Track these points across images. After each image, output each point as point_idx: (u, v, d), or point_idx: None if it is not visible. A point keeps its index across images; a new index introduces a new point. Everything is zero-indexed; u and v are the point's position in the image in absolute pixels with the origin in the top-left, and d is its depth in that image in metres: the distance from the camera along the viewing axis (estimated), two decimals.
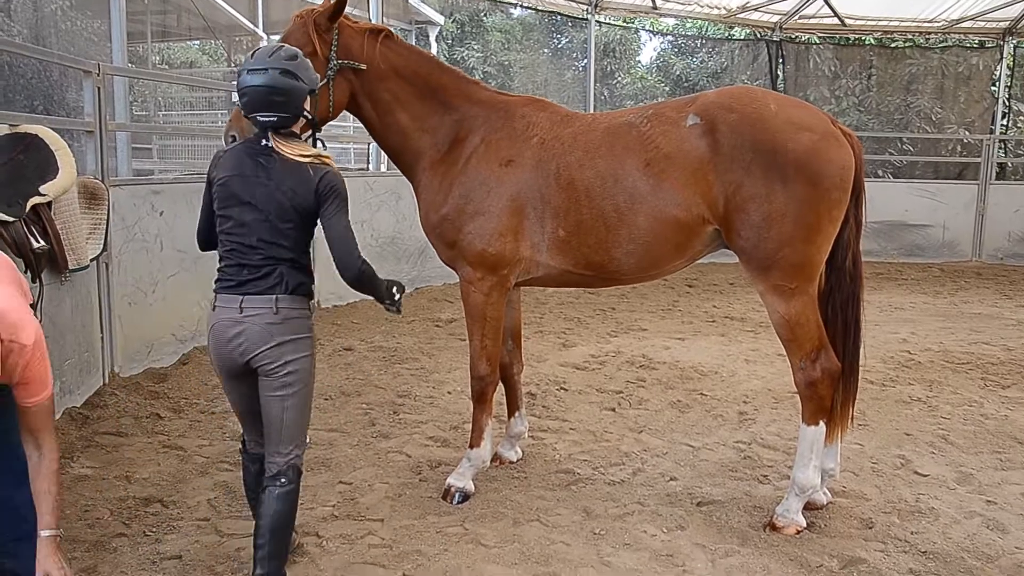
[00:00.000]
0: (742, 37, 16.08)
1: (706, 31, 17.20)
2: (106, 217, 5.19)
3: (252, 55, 3.16)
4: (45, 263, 4.40)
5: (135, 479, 4.33)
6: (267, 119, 3.10)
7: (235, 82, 3.22)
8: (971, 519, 4.06)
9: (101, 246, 5.14)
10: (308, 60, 3.25)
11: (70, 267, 4.65)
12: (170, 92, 16.10)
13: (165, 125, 15.95)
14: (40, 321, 4.37)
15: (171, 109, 16.64)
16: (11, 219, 4.11)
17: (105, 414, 5.16)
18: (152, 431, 5.03)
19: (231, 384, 3.24)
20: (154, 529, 3.83)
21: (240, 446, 3.49)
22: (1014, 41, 14.68)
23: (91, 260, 4.98)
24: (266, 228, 3.12)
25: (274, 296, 3.08)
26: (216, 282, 3.19)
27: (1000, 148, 14.68)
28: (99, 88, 5.55)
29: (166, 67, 20.86)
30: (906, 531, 3.92)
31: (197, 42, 21.15)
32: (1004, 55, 14.65)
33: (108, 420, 5.08)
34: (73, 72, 6.55)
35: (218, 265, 3.21)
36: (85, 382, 5.28)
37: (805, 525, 3.90)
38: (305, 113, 3.20)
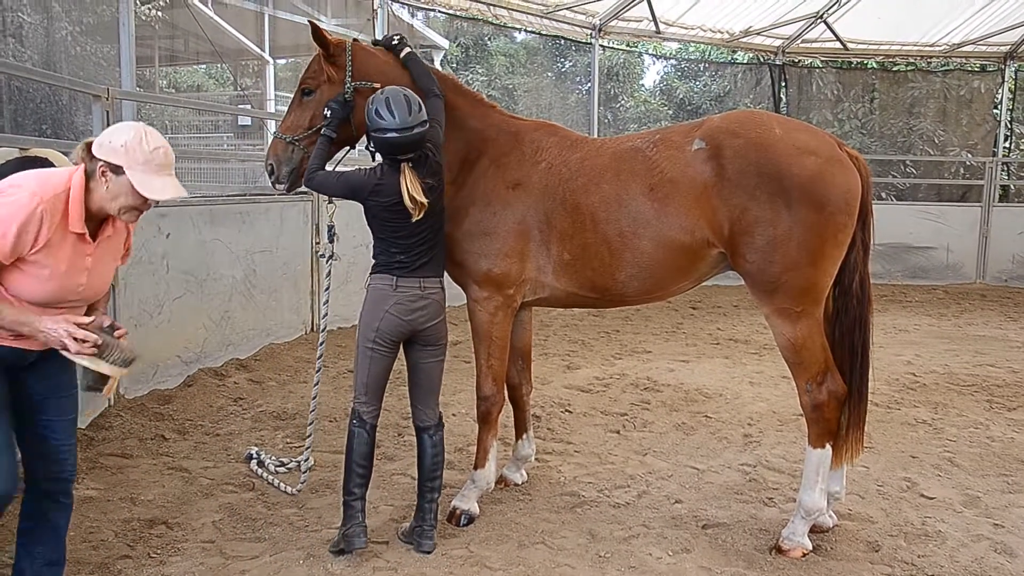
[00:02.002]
0: (745, 61, 16.16)
1: (709, 55, 17.28)
2: None
3: (390, 112, 3.64)
4: None
5: (140, 501, 4.34)
6: (408, 157, 3.72)
7: (377, 133, 3.69)
8: (978, 542, 4.04)
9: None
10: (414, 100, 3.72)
11: None
12: (177, 115, 16.21)
13: (172, 148, 16.02)
14: None
15: (178, 132, 16.74)
16: None
17: (110, 436, 5.16)
18: (157, 453, 5.03)
19: (391, 349, 3.86)
20: (159, 551, 3.82)
21: (356, 421, 3.89)
22: (1015, 65, 14.75)
23: None
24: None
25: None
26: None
27: (1003, 170, 14.72)
28: (108, 112, 5.61)
29: (173, 91, 21.01)
30: (913, 554, 3.90)
31: (204, 66, 21.31)
32: (1005, 78, 14.73)
33: (113, 442, 5.09)
34: (82, 96, 6.60)
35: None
36: (90, 404, 5.29)
37: (811, 548, 3.89)
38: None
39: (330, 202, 4.26)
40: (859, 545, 4.01)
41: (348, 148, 4.23)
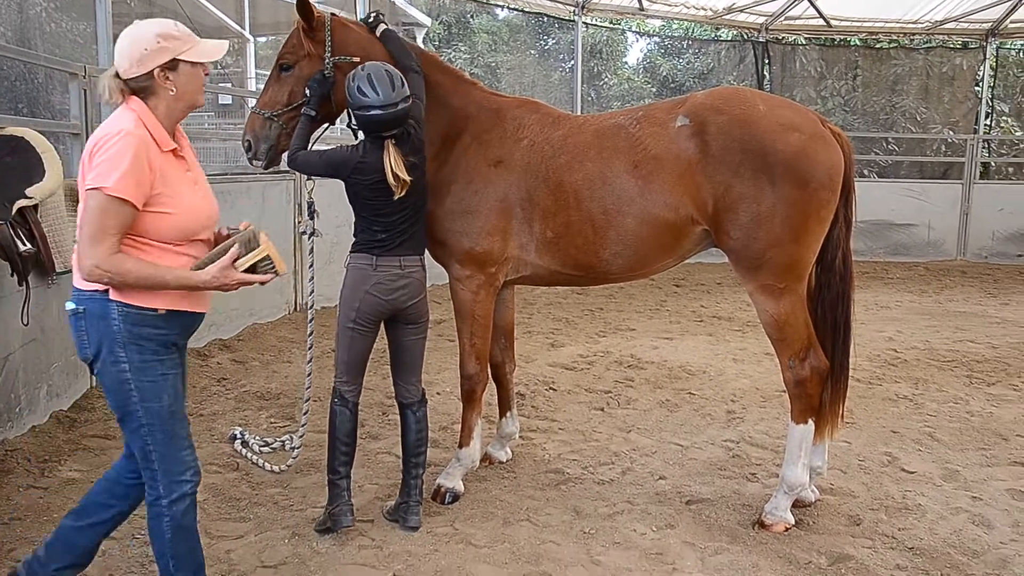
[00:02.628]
0: (728, 38, 16.13)
1: (692, 32, 17.25)
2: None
3: (373, 88, 3.60)
4: (32, 266, 4.38)
5: None
6: (391, 134, 3.70)
7: (360, 111, 3.65)
8: (957, 515, 4.09)
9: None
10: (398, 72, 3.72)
11: (57, 270, 4.63)
12: None
13: None
14: (26, 324, 4.37)
15: None
16: None
17: (92, 417, 5.13)
18: None
19: (372, 329, 3.87)
20: (143, 532, 3.78)
21: (338, 400, 3.88)
22: (996, 42, 14.80)
23: None
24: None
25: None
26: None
27: (984, 148, 14.80)
28: (85, 90, 5.53)
29: None
30: (893, 527, 3.95)
31: None
32: (987, 56, 14.77)
33: (96, 423, 5.06)
34: (59, 74, 6.51)
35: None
36: (72, 385, 5.26)
37: (793, 522, 3.93)
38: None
39: (308, 178, 4.23)
40: (841, 519, 4.05)
41: (328, 125, 4.20)
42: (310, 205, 4.19)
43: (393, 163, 3.66)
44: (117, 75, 2.74)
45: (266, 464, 4.55)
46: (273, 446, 4.85)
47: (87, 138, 5.41)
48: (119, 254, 2.63)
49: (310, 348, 4.46)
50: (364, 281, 3.80)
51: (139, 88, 2.76)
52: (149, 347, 2.76)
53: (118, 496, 3.08)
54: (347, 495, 3.84)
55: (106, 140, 2.63)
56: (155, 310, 2.75)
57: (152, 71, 2.73)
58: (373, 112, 3.61)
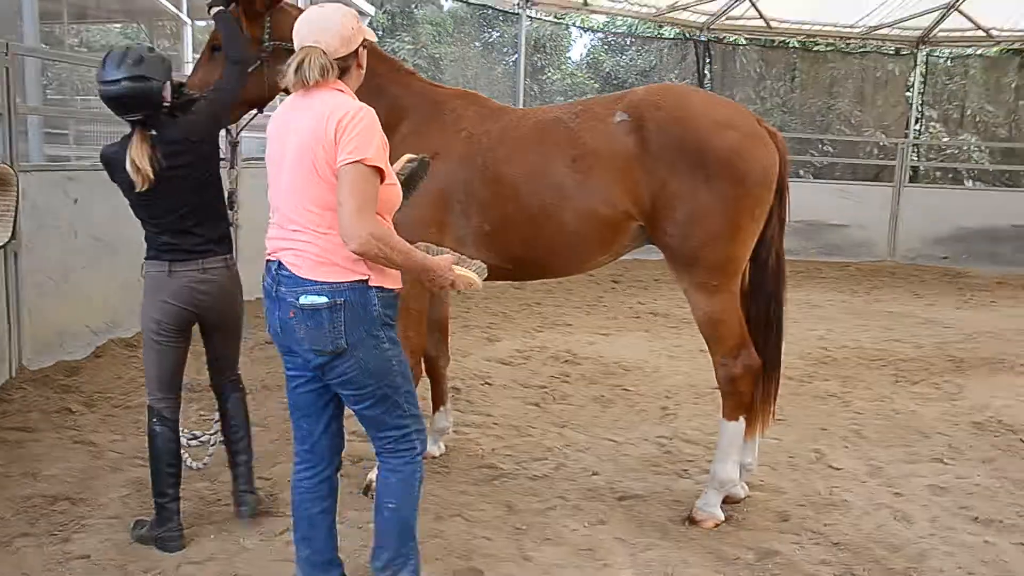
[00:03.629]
0: (671, 36, 16.29)
1: (636, 29, 17.36)
2: (15, 204, 4.96)
3: (104, 65, 3.36)
4: None
5: (42, 476, 4.17)
6: (134, 119, 3.39)
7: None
8: (879, 511, 4.19)
9: (10, 234, 4.90)
10: (156, 55, 3.44)
11: None
12: (89, 76, 15.49)
13: (82, 111, 15.37)
14: None
15: (89, 94, 16.03)
16: None
17: (11, 408, 4.95)
18: (62, 426, 4.85)
19: (179, 339, 3.64)
20: (61, 528, 3.69)
21: (156, 419, 3.68)
22: (926, 50, 15.24)
23: None
24: None
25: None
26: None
27: (914, 152, 15.21)
28: (7, 68, 5.31)
29: (85, 50, 20.13)
30: (819, 523, 4.02)
31: (118, 26, 20.46)
32: (917, 62, 15.20)
33: (14, 415, 4.88)
34: None
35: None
36: None
37: (723, 519, 3.97)
38: (164, 103, 3.42)
39: (232, 167, 4.11)
40: (769, 515, 4.11)
41: (256, 111, 4.10)
42: (230, 195, 3.96)
43: (135, 152, 3.34)
44: (324, 54, 2.75)
45: (188, 458, 4.43)
46: (202, 439, 4.72)
47: (9, 119, 5.26)
48: (382, 225, 2.73)
49: None
50: (160, 290, 3.53)
51: (344, 68, 2.84)
52: (392, 324, 2.91)
53: (325, 493, 3.12)
54: (177, 518, 3.61)
55: (353, 116, 2.68)
56: (394, 291, 2.90)
57: (356, 50, 2.86)
58: (98, 88, 3.37)
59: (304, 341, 2.77)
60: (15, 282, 5.35)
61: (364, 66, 2.96)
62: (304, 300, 2.72)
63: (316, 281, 2.72)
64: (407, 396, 2.94)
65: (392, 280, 2.87)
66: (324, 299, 2.72)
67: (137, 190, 3.39)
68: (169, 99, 3.45)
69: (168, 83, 3.43)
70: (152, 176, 3.37)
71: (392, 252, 2.71)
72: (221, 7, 3.85)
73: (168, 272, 3.52)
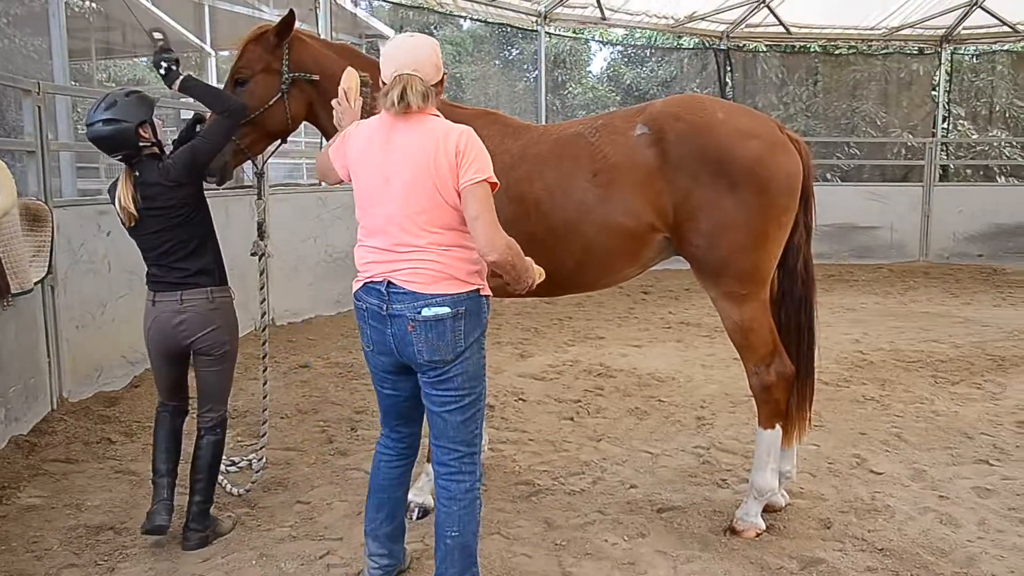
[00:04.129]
0: (691, 46, 16.28)
1: (655, 41, 17.37)
2: (50, 239, 5.07)
3: (93, 107, 3.68)
4: None
5: (86, 507, 4.23)
6: (118, 158, 3.71)
7: None
8: (925, 515, 4.12)
9: (46, 269, 5.01)
10: (133, 98, 3.69)
11: (12, 291, 4.53)
12: None
13: None
14: None
15: None
16: None
17: (54, 440, 5.02)
18: (103, 456, 4.91)
19: (169, 363, 3.88)
20: (106, 558, 3.73)
21: (159, 407, 3.97)
22: (951, 48, 15.09)
23: (35, 284, 4.86)
24: None
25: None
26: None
27: (942, 151, 15.04)
28: (39, 107, 5.43)
29: (113, 84, 20.53)
30: (863, 529, 3.97)
31: (144, 59, 20.85)
32: (942, 61, 15.05)
33: (57, 447, 4.95)
34: (12, 91, 6.40)
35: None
36: (32, 408, 5.15)
37: (764, 528, 3.93)
38: (141, 143, 3.65)
39: (260, 197, 4.19)
40: (811, 522, 4.06)
41: (280, 142, 4.18)
42: (260, 225, 4.12)
43: (120, 191, 3.63)
44: (423, 81, 2.91)
45: (228, 485, 4.47)
46: (240, 465, 4.77)
47: (42, 156, 5.38)
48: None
49: (265, 371, 4.45)
50: (146, 318, 3.78)
51: (436, 93, 2.99)
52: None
53: (408, 478, 3.41)
54: (166, 497, 3.82)
55: (467, 140, 2.88)
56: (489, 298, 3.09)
57: (443, 76, 3.03)
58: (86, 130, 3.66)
59: (423, 351, 2.92)
60: (53, 316, 5.45)
61: (442, 93, 3.09)
62: (427, 312, 2.88)
63: (437, 295, 2.89)
64: (481, 411, 3.13)
65: (487, 289, 3.07)
66: (447, 309, 2.89)
67: (124, 226, 3.70)
68: (151, 138, 3.68)
69: (146, 123, 3.66)
70: (135, 213, 3.64)
71: (518, 257, 2.92)
72: (179, 77, 3.76)
73: (152, 302, 3.76)
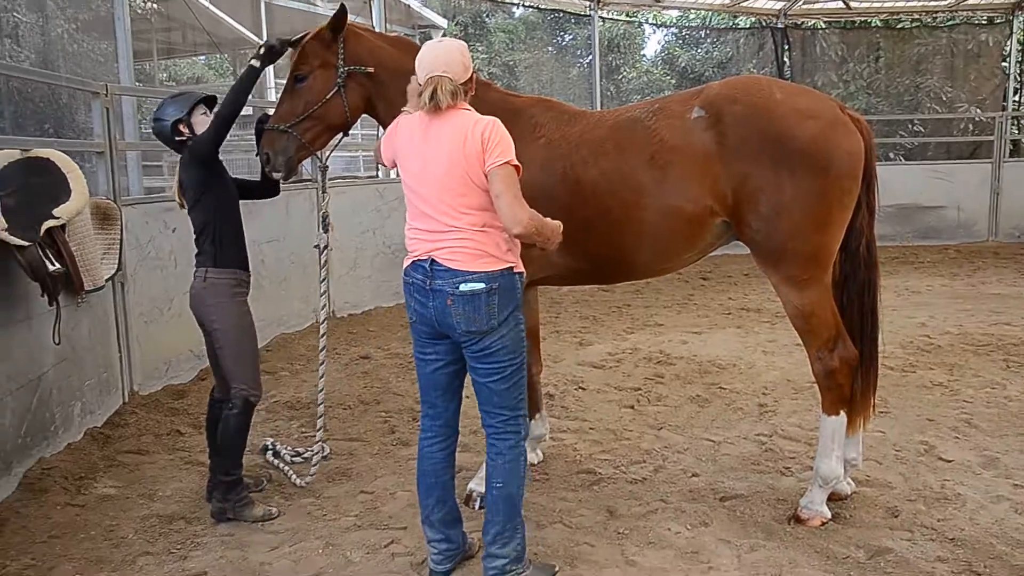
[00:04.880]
0: (747, 26, 15.99)
1: (710, 21, 17.12)
2: (119, 237, 5.22)
3: None
4: (61, 286, 4.42)
5: (158, 497, 4.36)
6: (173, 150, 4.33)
7: None
8: (998, 504, 4.02)
9: (116, 266, 5.17)
10: (172, 99, 4.23)
11: (86, 288, 4.68)
12: None
13: None
14: (58, 343, 4.42)
15: None
16: (26, 243, 4.15)
17: (126, 433, 5.19)
18: (173, 448, 5.06)
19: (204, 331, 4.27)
20: (179, 546, 3.85)
21: (212, 399, 4.35)
22: (1023, 15, 14.51)
23: (106, 280, 5.01)
24: None
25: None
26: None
27: (1013, 125, 14.53)
28: (107, 109, 5.58)
29: (173, 84, 20.99)
30: (932, 518, 3.88)
31: (203, 57, 21.28)
32: (1014, 30, 14.48)
33: (129, 439, 5.11)
34: (82, 94, 6.59)
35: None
36: (105, 402, 5.32)
37: (830, 516, 3.87)
38: (178, 137, 4.18)
39: (323, 191, 4.31)
40: (878, 511, 3.99)
41: (342, 135, 4.25)
42: (324, 218, 4.37)
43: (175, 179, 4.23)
44: (452, 80, 3.17)
45: (293, 475, 4.57)
46: (305, 456, 4.87)
47: (111, 156, 5.53)
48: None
49: (322, 364, 4.57)
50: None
51: (465, 91, 3.26)
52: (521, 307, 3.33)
53: (453, 461, 3.55)
54: (214, 484, 4.20)
55: (492, 128, 3.15)
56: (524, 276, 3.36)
57: (472, 75, 3.29)
58: None
59: (461, 323, 3.17)
60: (123, 312, 5.61)
61: (474, 89, 3.34)
62: (464, 287, 3.14)
63: (473, 272, 3.15)
64: (523, 378, 3.34)
65: (521, 266, 3.32)
66: (482, 285, 3.15)
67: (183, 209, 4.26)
68: (188, 133, 4.15)
69: (182, 120, 4.15)
70: (178, 199, 4.26)
71: (541, 226, 3.18)
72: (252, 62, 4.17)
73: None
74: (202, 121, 4.14)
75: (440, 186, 3.17)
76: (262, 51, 4.13)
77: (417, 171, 3.24)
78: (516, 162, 3.15)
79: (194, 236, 4.18)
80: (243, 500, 4.11)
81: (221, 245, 4.14)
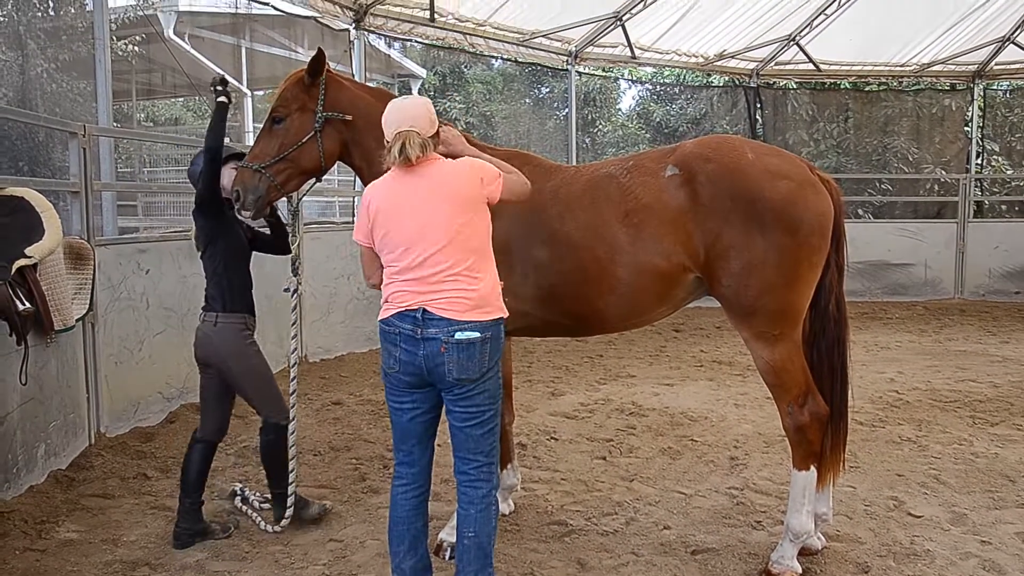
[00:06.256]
0: (720, 84, 16.33)
1: (684, 79, 17.45)
2: (92, 277, 5.19)
3: None
4: (31, 325, 4.38)
5: (122, 542, 4.27)
6: None
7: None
8: (967, 560, 4.05)
9: (87, 306, 5.12)
10: (197, 155, 4.40)
11: (55, 328, 4.63)
12: (155, 149, 16.16)
13: (150, 182, 15.97)
14: (24, 383, 4.36)
15: (156, 166, 16.68)
16: None
17: (91, 476, 5.09)
18: (139, 492, 4.97)
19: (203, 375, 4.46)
20: None
21: (194, 439, 4.43)
22: (983, 83, 15.00)
23: (77, 320, 4.96)
24: None
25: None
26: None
27: (976, 186, 14.90)
28: (84, 149, 5.58)
29: (151, 124, 20.98)
30: (902, 574, 3.90)
31: (182, 99, 21.31)
32: (975, 97, 14.95)
33: (94, 482, 5.02)
34: (59, 133, 6.58)
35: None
36: (71, 444, 5.23)
37: (801, 572, 3.88)
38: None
39: (294, 234, 4.37)
40: (848, 566, 4.00)
41: (315, 180, 4.31)
42: (294, 261, 4.50)
43: None
44: (419, 135, 3.28)
45: (262, 522, 4.50)
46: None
47: (86, 196, 5.51)
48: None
49: (293, 406, 4.53)
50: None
51: (433, 144, 3.36)
52: None
53: (424, 509, 3.52)
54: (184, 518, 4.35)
55: (474, 163, 3.40)
56: None
57: (438, 128, 3.40)
58: None
59: (453, 371, 3.22)
60: (93, 352, 5.54)
61: (440, 142, 3.48)
62: (460, 336, 3.20)
63: (469, 321, 3.22)
64: (499, 425, 3.41)
65: (505, 310, 3.41)
66: (478, 334, 3.22)
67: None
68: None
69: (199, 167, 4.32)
70: (195, 243, 4.42)
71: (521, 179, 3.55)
72: (218, 95, 4.33)
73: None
74: (227, 174, 4.26)
75: (435, 237, 3.22)
76: (219, 87, 4.30)
77: (410, 225, 3.26)
78: (500, 171, 3.42)
79: (207, 277, 4.37)
80: (298, 504, 4.45)
81: (230, 292, 4.32)
